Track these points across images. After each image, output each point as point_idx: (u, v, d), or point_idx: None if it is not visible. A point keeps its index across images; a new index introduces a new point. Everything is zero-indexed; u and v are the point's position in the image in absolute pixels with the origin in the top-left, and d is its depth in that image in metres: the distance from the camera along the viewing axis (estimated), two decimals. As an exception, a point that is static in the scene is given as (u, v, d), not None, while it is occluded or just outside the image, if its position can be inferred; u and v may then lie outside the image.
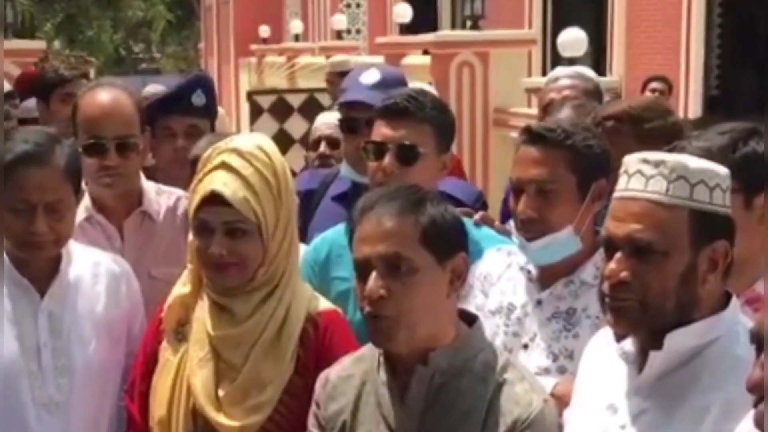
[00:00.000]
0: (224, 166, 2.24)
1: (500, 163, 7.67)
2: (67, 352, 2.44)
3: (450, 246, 1.97)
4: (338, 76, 8.31)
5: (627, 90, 10.19)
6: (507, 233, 2.86)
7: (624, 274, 1.82)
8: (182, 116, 3.34)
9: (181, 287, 2.36)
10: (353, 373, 2.09)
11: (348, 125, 3.14)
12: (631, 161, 1.87)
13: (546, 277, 2.38)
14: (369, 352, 2.08)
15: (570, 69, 4.15)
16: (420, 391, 1.96)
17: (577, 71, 3.97)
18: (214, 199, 2.21)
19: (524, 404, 1.92)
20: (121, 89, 2.91)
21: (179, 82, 3.54)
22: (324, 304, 2.37)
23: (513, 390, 1.94)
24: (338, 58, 8.84)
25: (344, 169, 3.21)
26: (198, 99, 3.38)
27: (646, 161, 1.84)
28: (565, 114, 3.13)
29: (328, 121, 4.28)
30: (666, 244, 1.80)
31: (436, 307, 1.95)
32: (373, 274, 1.94)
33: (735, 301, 1.88)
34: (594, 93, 3.73)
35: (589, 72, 4.02)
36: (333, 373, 2.13)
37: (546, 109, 3.70)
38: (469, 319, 2.06)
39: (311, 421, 2.14)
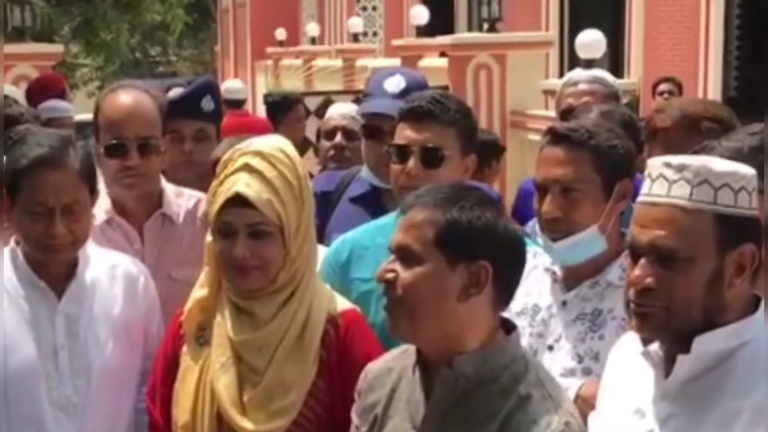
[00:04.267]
0: (247, 168, 2.24)
1: (517, 165, 7.65)
2: (84, 354, 2.43)
3: (468, 251, 1.92)
4: None
5: (645, 92, 10.14)
6: (526, 234, 2.84)
7: (649, 280, 1.79)
8: (192, 120, 3.37)
9: (199, 290, 2.35)
10: (394, 366, 2.09)
11: (370, 131, 3.14)
12: (654, 165, 1.84)
13: (571, 278, 2.37)
14: (411, 347, 2.07)
15: (588, 73, 4.06)
16: (444, 394, 1.95)
17: (596, 76, 3.90)
18: (237, 200, 2.21)
19: (542, 424, 1.87)
20: (142, 91, 2.92)
21: (189, 87, 3.56)
22: (343, 303, 2.36)
23: (534, 407, 1.90)
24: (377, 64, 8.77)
25: (365, 173, 3.20)
26: (207, 104, 3.42)
27: (668, 165, 1.81)
28: (592, 118, 3.10)
29: (343, 111, 4.16)
30: (691, 250, 1.77)
31: (443, 305, 1.93)
32: (390, 257, 1.97)
33: (764, 306, 1.84)
34: (613, 98, 3.68)
35: (608, 76, 3.96)
36: (376, 364, 2.13)
37: (563, 114, 3.64)
38: (508, 327, 2.02)
39: (354, 409, 2.14)
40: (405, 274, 1.93)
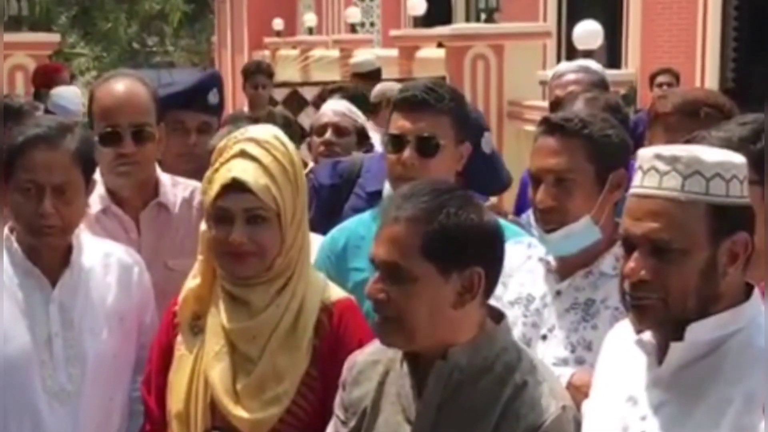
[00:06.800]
0: (243, 154, 2.24)
1: (514, 156, 7.65)
2: (78, 342, 2.44)
3: (459, 258, 1.92)
4: (360, 77, 8.27)
5: (643, 83, 10.15)
6: (520, 225, 2.85)
7: (644, 272, 1.79)
8: (197, 113, 3.36)
9: (192, 279, 2.35)
10: (379, 359, 2.08)
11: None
12: (645, 157, 1.84)
13: (565, 268, 2.37)
14: None
15: (573, 63, 4.08)
16: (438, 386, 1.95)
17: (581, 65, 3.91)
18: (234, 186, 2.21)
19: (540, 410, 1.89)
20: (135, 78, 2.92)
21: (197, 79, 3.57)
22: (337, 292, 2.36)
23: (531, 394, 1.91)
24: (359, 59, 8.74)
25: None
26: (213, 98, 3.43)
27: (659, 157, 1.81)
28: (578, 107, 3.11)
29: (336, 108, 4.23)
30: (685, 241, 1.77)
31: (439, 316, 1.93)
32: (376, 275, 1.95)
33: (757, 293, 1.85)
34: (600, 85, 3.68)
35: (594, 64, 3.97)
36: (360, 357, 2.12)
37: (552, 107, 3.64)
38: (496, 316, 2.03)
39: (337, 402, 2.14)
40: (398, 295, 1.92)
